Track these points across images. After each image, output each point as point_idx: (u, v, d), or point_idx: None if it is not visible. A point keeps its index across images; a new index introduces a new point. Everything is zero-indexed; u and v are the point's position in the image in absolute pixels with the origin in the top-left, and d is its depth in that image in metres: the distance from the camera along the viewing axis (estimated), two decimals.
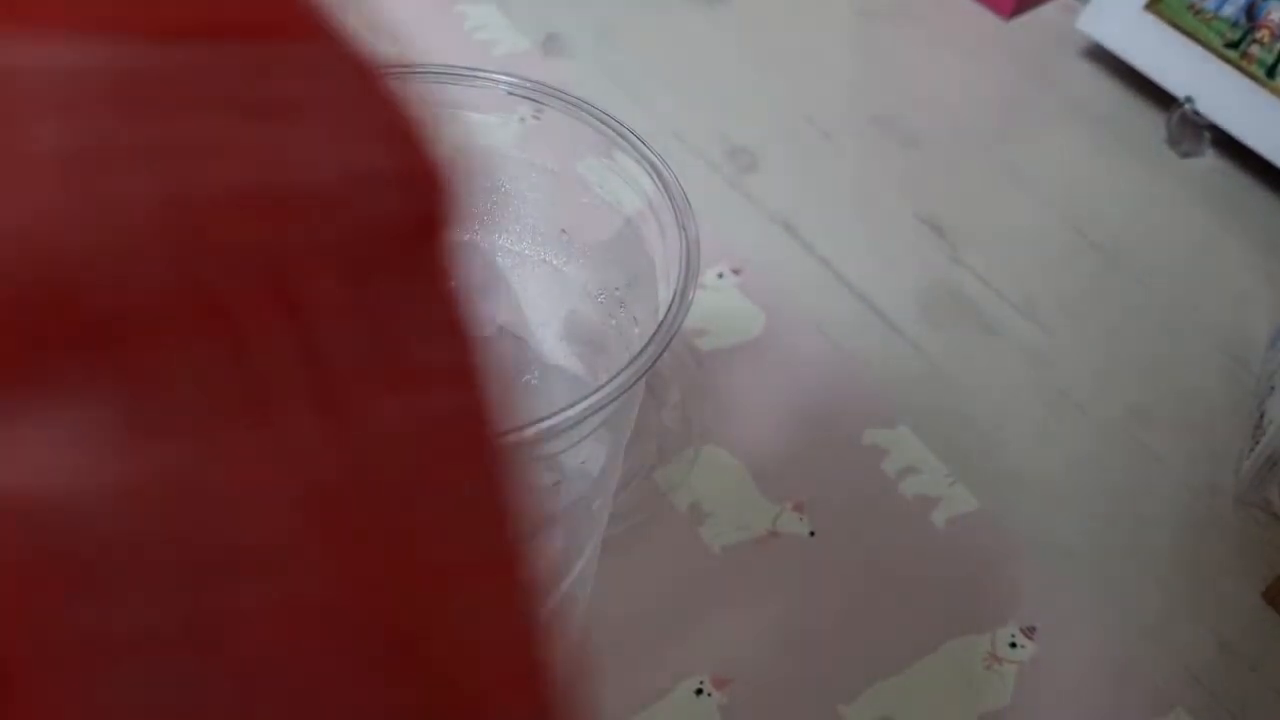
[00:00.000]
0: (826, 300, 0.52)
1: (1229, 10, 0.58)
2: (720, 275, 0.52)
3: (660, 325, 0.25)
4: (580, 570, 0.33)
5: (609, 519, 0.33)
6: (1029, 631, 0.41)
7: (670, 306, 0.26)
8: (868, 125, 0.60)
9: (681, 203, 0.28)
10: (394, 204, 0.13)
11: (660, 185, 0.28)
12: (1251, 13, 0.58)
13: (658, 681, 0.39)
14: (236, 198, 0.11)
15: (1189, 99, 0.59)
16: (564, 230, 0.32)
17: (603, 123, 0.29)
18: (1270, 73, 0.57)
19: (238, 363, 0.11)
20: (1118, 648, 0.42)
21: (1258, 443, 0.46)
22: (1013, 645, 0.41)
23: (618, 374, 0.24)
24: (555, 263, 0.32)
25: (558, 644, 0.16)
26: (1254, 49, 0.57)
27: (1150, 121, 0.62)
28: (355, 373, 0.12)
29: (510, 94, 0.30)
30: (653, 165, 0.28)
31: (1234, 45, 0.58)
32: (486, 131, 0.31)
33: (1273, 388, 0.48)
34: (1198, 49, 0.59)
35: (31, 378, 0.10)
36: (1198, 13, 0.59)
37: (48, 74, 0.10)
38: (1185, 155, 0.60)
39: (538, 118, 0.30)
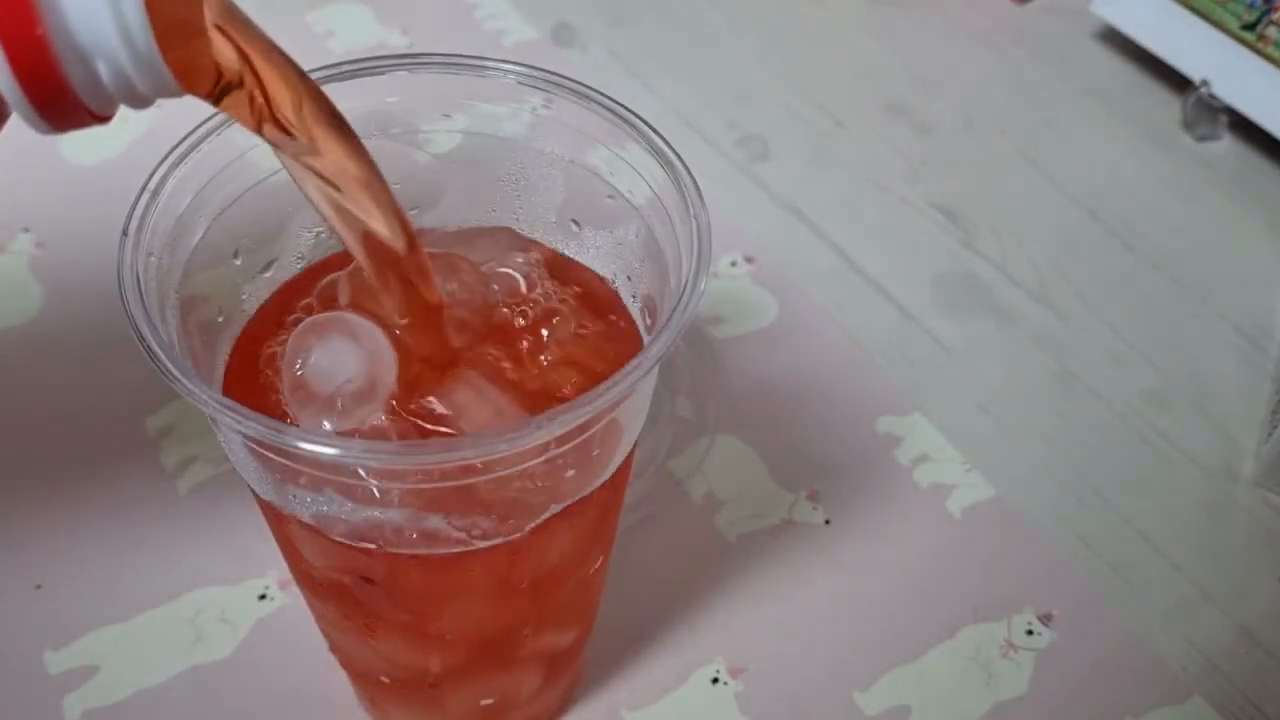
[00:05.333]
0: (839, 287, 0.52)
1: None
2: (733, 263, 0.51)
3: (672, 314, 0.25)
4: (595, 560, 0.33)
5: (624, 509, 0.33)
6: (1046, 618, 0.41)
7: (682, 295, 0.26)
8: (880, 112, 0.60)
9: (693, 191, 0.28)
10: None
11: (671, 174, 0.28)
12: None
13: (673, 670, 0.39)
14: None
15: (1205, 82, 0.58)
16: (575, 220, 0.32)
17: (613, 112, 0.29)
18: None
19: None
20: (1134, 634, 0.41)
21: (1276, 427, 0.46)
22: (1029, 632, 0.41)
23: (630, 363, 0.24)
24: (566, 253, 0.32)
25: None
26: (1271, 30, 0.57)
27: (1166, 105, 0.61)
28: None
29: (520, 84, 0.30)
30: (663, 154, 0.28)
31: (1251, 27, 0.57)
32: (497, 122, 0.31)
33: None
34: (1214, 31, 0.59)
35: None
36: None
37: None
38: (1202, 139, 0.60)
39: (548, 107, 0.30)
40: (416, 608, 0.30)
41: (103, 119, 0.21)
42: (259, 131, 0.25)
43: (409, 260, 0.27)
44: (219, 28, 0.23)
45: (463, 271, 0.30)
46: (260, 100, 0.24)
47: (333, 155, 0.25)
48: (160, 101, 0.22)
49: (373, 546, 0.27)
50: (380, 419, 0.27)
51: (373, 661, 0.34)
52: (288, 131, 0.25)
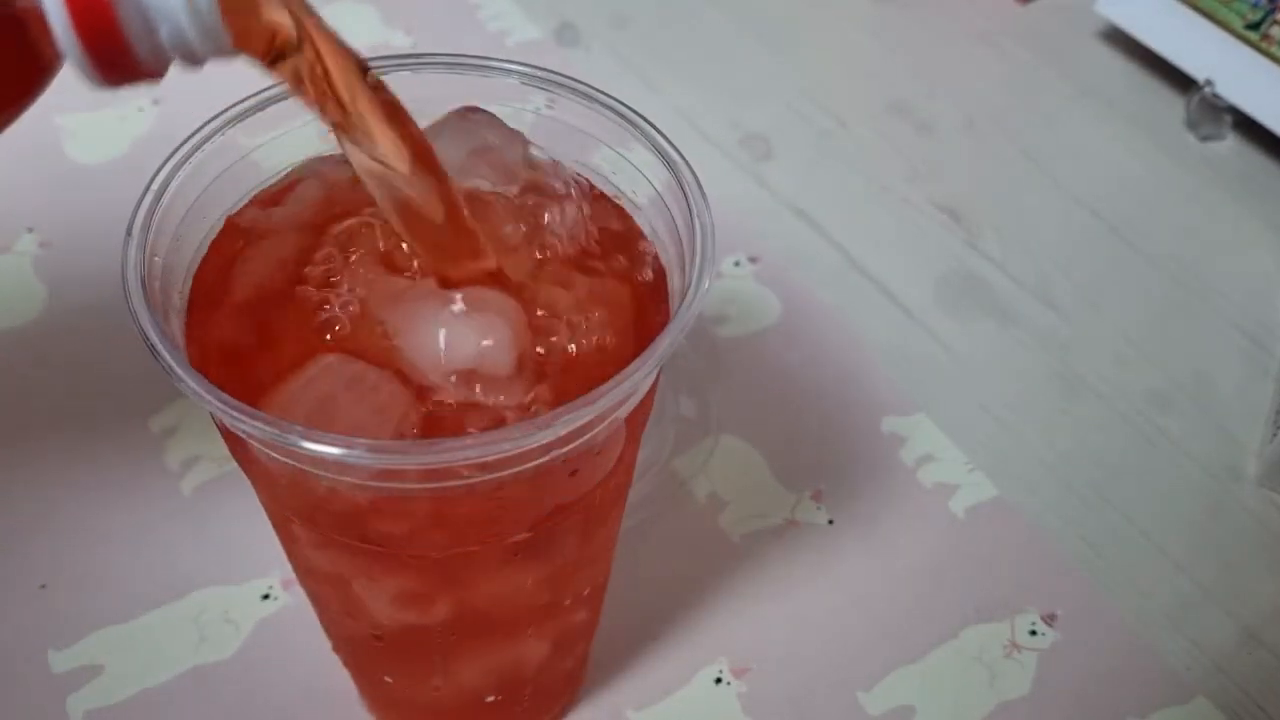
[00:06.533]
0: (843, 287, 0.52)
1: None
2: (737, 263, 0.51)
3: (677, 314, 0.25)
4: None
5: (627, 509, 0.33)
6: (1049, 619, 0.41)
7: (686, 295, 0.26)
8: (882, 112, 0.60)
9: (696, 191, 0.28)
10: None
11: (674, 174, 0.28)
12: None
13: (677, 670, 0.39)
14: None
15: (1209, 81, 0.58)
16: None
17: (616, 112, 0.29)
18: None
19: None
20: (1138, 634, 0.41)
21: (1279, 427, 0.46)
22: (1033, 633, 0.41)
23: (634, 363, 0.24)
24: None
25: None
26: (1275, 30, 0.57)
27: (1169, 105, 0.61)
28: None
29: (524, 84, 0.30)
30: (667, 154, 0.28)
31: (1255, 26, 0.57)
32: None
33: None
34: (1217, 30, 0.59)
35: None
36: None
37: None
38: (1205, 139, 0.60)
39: (551, 107, 0.30)
40: (419, 606, 0.30)
41: (156, 76, 0.22)
42: (320, 109, 0.25)
43: (463, 243, 0.27)
44: None
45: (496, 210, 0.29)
46: (320, 73, 0.24)
47: (384, 141, 0.25)
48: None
49: (376, 546, 0.27)
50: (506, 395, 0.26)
51: (375, 661, 0.34)
52: (343, 108, 0.25)
